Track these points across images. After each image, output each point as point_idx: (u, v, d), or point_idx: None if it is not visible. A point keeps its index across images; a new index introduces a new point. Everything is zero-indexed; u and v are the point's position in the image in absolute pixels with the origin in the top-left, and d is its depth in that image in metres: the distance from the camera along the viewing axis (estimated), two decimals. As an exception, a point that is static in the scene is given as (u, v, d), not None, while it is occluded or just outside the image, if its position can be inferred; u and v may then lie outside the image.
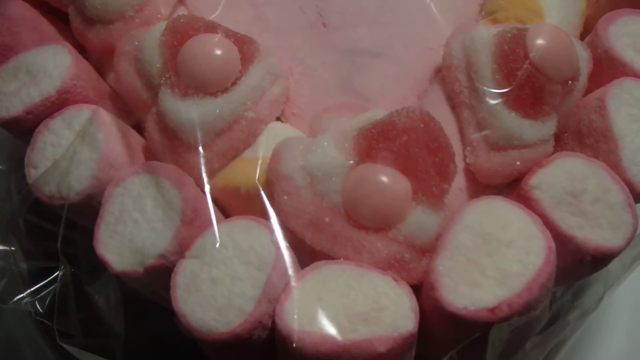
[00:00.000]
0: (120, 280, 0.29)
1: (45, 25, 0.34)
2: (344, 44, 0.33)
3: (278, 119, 0.31)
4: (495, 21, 0.33)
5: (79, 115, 0.30)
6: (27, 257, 0.30)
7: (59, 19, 0.35)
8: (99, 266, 0.29)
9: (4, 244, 0.29)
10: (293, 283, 0.25)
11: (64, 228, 0.27)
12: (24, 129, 0.30)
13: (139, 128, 0.31)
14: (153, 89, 0.30)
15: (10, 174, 0.36)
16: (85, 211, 0.28)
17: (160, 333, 0.31)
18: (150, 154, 0.31)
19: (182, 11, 0.34)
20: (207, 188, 0.27)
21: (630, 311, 0.42)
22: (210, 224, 0.26)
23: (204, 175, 0.27)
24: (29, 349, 0.42)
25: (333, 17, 0.34)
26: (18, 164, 0.36)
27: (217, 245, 0.25)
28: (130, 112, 0.32)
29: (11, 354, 0.42)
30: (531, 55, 0.28)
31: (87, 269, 0.30)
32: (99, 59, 0.33)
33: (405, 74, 0.33)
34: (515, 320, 0.25)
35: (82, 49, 0.33)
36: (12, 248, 0.29)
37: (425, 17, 0.34)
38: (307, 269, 0.26)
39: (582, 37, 0.34)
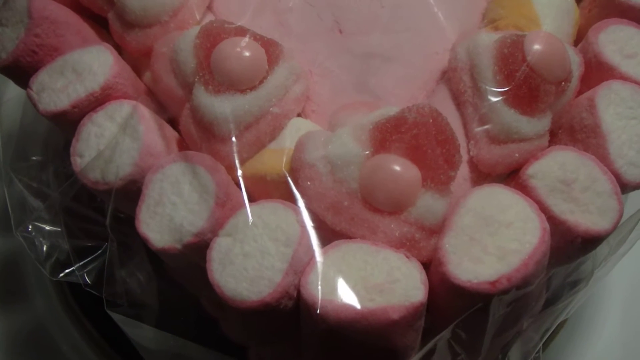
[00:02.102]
0: (154, 258, 0.31)
1: (87, 29, 0.37)
2: (358, 49, 0.36)
3: (299, 115, 0.34)
4: (496, 28, 0.36)
5: (120, 109, 0.33)
6: (71, 237, 0.33)
7: (98, 24, 0.38)
8: (131, 248, 0.32)
9: (53, 225, 0.32)
10: (317, 258, 0.28)
11: (111, 210, 0.30)
12: (69, 121, 0.33)
13: (171, 122, 0.34)
14: (187, 87, 0.33)
15: (47, 164, 0.38)
16: (127, 195, 0.31)
17: (190, 307, 0.34)
18: (182, 146, 0.34)
19: (209, 17, 0.38)
20: (239, 173, 0.30)
21: (624, 298, 0.45)
22: (241, 206, 0.29)
23: (237, 162, 0.30)
24: (59, 334, 0.44)
25: (348, 24, 0.37)
26: (55, 155, 0.39)
27: (250, 222, 0.28)
28: (164, 108, 0.35)
29: (41, 340, 0.44)
30: (528, 58, 0.31)
31: (120, 251, 0.32)
32: (135, 60, 0.36)
33: (415, 75, 0.36)
34: (513, 294, 0.28)
35: (119, 50, 0.36)
36: (59, 229, 0.32)
37: (433, 25, 0.37)
38: (328, 246, 0.29)
39: (576, 44, 0.37)
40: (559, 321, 0.33)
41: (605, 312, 0.45)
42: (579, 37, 0.37)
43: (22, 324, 0.45)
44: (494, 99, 0.31)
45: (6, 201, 0.36)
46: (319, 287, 0.27)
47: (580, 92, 0.34)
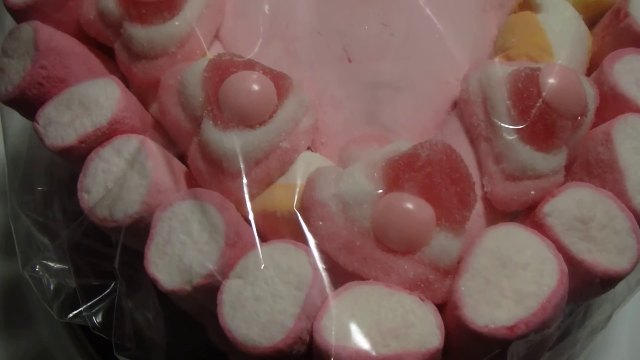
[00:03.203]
0: (162, 295, 0.31)
1: (93, 60, 0.37)
2: (367, 78, 0.36)
3: (308, 148, 0.34)
4: (507, 58, 0.35)
5: (127, 144, 0.32)
6: (78, 275, 0.32)
7: (105, 54, 0.37)
8: (138, 282, 0.32)
9: (61, 263, 0.31)
10: (330, 301, 0.27)
11: (120, 249, 0.30)
12: (76, 156, 0.33)
13: (180, 157, 0.34)
14: (195, 120, 0.32)
15: (53, 195, 0.38)
16: (135, 233, 0.31)
17: (197, 344, 0.34)
18: (191, 181, 0.33)
19: (217, 45, 0.37)
20: (250, 215, 0.29)
21: (632, 327, 0.44)
22: (252, 246, 0.29)
23: (248, 202, 0.30)
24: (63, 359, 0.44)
25: (357, 52, 0.37)
26: (60, 186, 0.38)
27: (262, 266, 0.28)
28: (173, 142, 0.34)
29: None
30: (544, 94, 0.30)
31: (127, 285, 0.32)
32: (142, 91, 0.36)
33: (425, 105, 0.36)
34: (532, 337, 0.27)
35: (125, 81, 0.36)
36: (67, 267, 0.32)
37: (443, 53, 0.37)
38: (340, 288, 0.28)
39: (588, 72, 0.37)
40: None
41: (616, 341, 0.45)
42: (592, 65, 0.37)
43: (27, 349, 0.45)
44: (510, 137, 0.30)
45: (9, 226, 0.35)
46: (332, 333, 0.26)
47: (595, 124, 0.33)
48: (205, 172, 0.31)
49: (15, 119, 0.37)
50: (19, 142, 0.38)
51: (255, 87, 0.31)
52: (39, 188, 0.37)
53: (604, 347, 0.44)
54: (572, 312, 0.33)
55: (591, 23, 0.38)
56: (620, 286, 0.30)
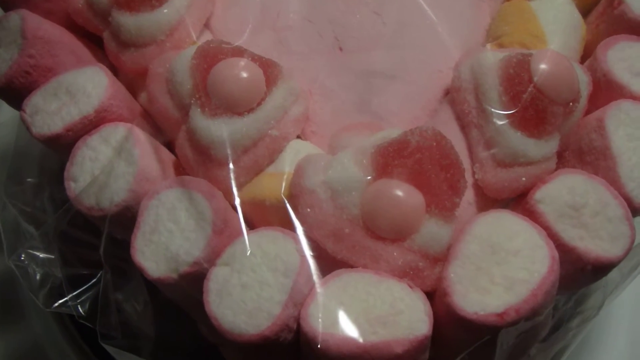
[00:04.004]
0: (150, 286, 0.31)
1: (81, 48, 0.36)
2: (359, 67, 0.36)
3: (298, 136, 0.34)
4: (500, 45, 0.35)
5: (115, 132, 0.32)
6: (65, 264, 0.32)
7: (93, 42, 0.37)
8: (126, 273, 0.32)
9: (47, 252, 0.31)
10: (317, 289, 0.27)
11: (105, 238, 0.30)
12: (63, 145, 0.33)
13: (168, 145, 0.34)
14: (184, 109, 0.32)
15: (43, 187, 0.38)
16: (122, 221, 0.30)
17: (187, 336, 0.33)
18: (179, 169, 0.33)
19: (207, 35, 0.37)
20: (237, 201, 0.29)
21: (630, 318, 0.44)
22: (239, 233, 0.29)
23: (235, 189, 0.29)
24: (56, 354, 0.43)
25: (349, 42, 0.36)
26: (50, 177, 0.38)
27: (248, 253, 0.27)
28: (161, 130, 0.34)
29: (38, 359, 0.43)
30: (535, 79, 0.30)
31: (115, 276, 0.32)
32: (130, 80, 0.36)
33: (417, 94, 0.35)
34: (522, 325, 0.27)
35: (114, 70, 0.36)
36: (53, 256, 0.31)
37: (435, 42, 0.36)
38: (329, 276, 0.28)
39: (583, 60, 0.36)
40: (570, 349, 0.32)
41: (613, 333, 0.44)
42: (586, 53, 0.37)
43: (19, 344, 0.45)
44: (500, 122, 0.30)
45: (-1, 224, 0.35)
46: (320, 320, 0.26)
47: (588, 111, 0.33)
48: (193, 160, 0.31)
49: (4, 109, 0.37)
50: (8, 134, 0.38)
51: (244, 74, 0.31)
52: (29, 179, 0.37)
53: (601, 339, 0.44)
54: (564, 304, 0.32)
55: (586, 11, 0.38)
56: (613, 274, 0.30)
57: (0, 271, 0.46)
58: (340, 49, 0.36)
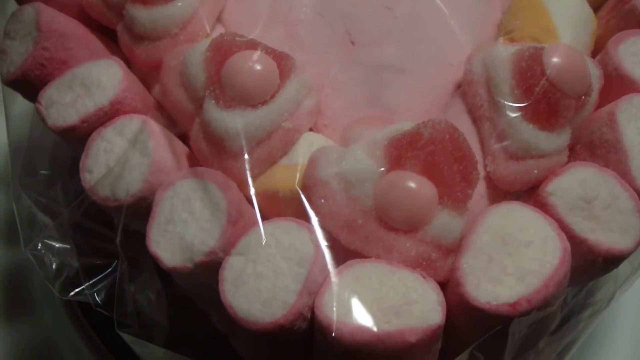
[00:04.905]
0: (164, 276, 0.31)
1: (95, 41, 0.37)
2: (370, 61, 0.36)
3: (310, 129, 0.34)
4: (512, 40, 0.35)
5: (129, 124, 0.32)
6: (80, 254, 0.32)
7: (107, 36, 0.37)
8: (140, 264, 0.32)
9: (63, 242, 0.32)
10: (332, 278, 0.27)
11: (121, 228, 0.30)
12: (78, 136, 0.33)
13: (182, 138, 0.34)
14: (197, 101, 0.32)
15: (55, 179, 0.38)
16: (137, 212, 0.31)
17: (198, 327, 0.34)
18: (192, 161, 0.33)
19: (219, 29, 0.37)
20: (252, 191, 0.29)
21: (637, 311, 0.44)
22: (253, 224, 0.29)
23: (250, 180, 0.30)
24: (67, 348, 0.44)
25: (360, 35, 0.36)
26: (63, 169, 0.38)
27: (263, 243, 0.27)
28: (175, 123, 0.34)
29: (49, 353, 0.44)
30: (547, 72, 0.30)
31: (130, 267, 0.32)
32: (144, 73, 0.36)
33: (428, 88, 0.35)
34: (534, 315, 0.27)
35: (127, 63, 0.36)
36: (69, 246, 0.32)
37: (446, 36, 0.36)
38: (342, 266, 0.28)
39: (593, 55, 0.36)
40: (581, 340, 0.32)
41: (620, 327, 0.44)
42: (597, 48, 0.37)
43: (30, 337, 0.45)
44: (513, 114, 0.30)
45: (13, 214, 0.35)
46: (334, 309, 0.26)
47: (599, 106, 0.33)
48: (208, 152, 0.31)
49: (18, 101, 0.38)
50: (22, 125, 0.38)
51: (258, 67, 0.31)
52: (42, 171, 0.37)
53: (607, 334, 0.44)
54: (575, 296, 0.33)
55: (597, 6, 0.38)
56: (623, 266, 0.30)
57: (12, 265, 0.47)
58: (352, 43, 0.37)
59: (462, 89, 0.34)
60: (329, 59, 0.36)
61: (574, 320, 0.32)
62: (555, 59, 0.30)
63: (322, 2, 0.37)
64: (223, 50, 0.32)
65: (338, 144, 0.33)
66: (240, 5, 0.38)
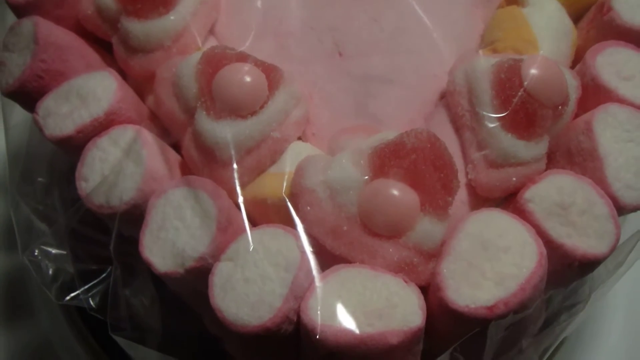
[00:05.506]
0: (157, 281, 0.32)
1: (91, 53, 0.38)
2: (357, 71, 0.37)
3: (299, 138, 0.35)
4: (494, 51, 0.36)
5: (124, 134, 0.33)
6: (76, 260, 0.33)
7: (102, 48, 0.39)
8: (134, 269, 0.33)
9: (59, 248, 0.33)
10: (316, 283, 0.28)
11: (115, 235, 0.31)
12: (74, 146, 0.34)
13: (174, 147, 0.35)
14: (189, 111, 0.33)
15: (53, 186, 0.39)
16: (130, 219, 0.32)
17: (191, 329, 0.35)
18: (185, 169, 0.34)
19: (211, 41, 0.38)
20: (240, 199, 0.30)
21: (625, 312, 0.45)
22: (242, 230, 0.30)
23: (238, 188, 0.31)
24: (64, 350, 0.45)
25: (348, 47, 0.38)
26: (59, 177, 0.39)
27: (251, 249, 0.29)
28: (168, 132, 0.35)
29: (46, 356, 0.45)
30: (525, 83, 0.31)
31: (124, 272, 0.33)
32: (138, 83, 0.37)
33: (413, 98, 0.37)
34: (511, 318, 0.28)
35: (122, 74, 0.37)
36: (65, 252, 0.33)
37: (431, 47, 0.38)
38: (327, 271, 0.29)
39: (574, 64, 0.38)
40: (558, 341, 0.33)
41: (607, 326, 0.45)
42: (577, 58, 0.38)
43: (28, 340, 0.46)
44: (492, 125, 0.31)
45: (11, 220, 0.36)
46: (319, 312, 0.27)
47: (577, 115, 0.34)
48: (199, 161, 0.33)
49: (16, 111, 0.39)
50: (20, 134, 0.39)
51: (247, 79, 0.32)
52: (39, 179, 0.38)
53: (595, 333, 0.45)
54: (552, 300, 0.34)
55: (577, 17, 0.39)
56: (599, 270, 0.31)
57: (10, 269, 0.48)
58: (340, 54, 0.38)
59: (445, 99, 0.35)
60: (318, 70, 0.37)
61: (552, 322, 0.33)
62: (532, 71, 0.31)
63: (311, 14, 0.39)
64: (214, 63, 0.33)
65: (326, 153, 0.34)
66: (231, 17, 0.39)
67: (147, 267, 0.30)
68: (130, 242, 0.32)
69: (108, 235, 0.32)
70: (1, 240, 0.49)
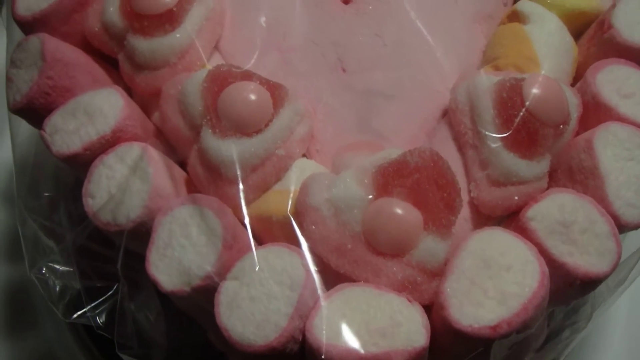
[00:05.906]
0: (163, 296, 0.32)
1: (97, 70, 0.38)
2: (360, 86, 0.37)
3: (304, 155, 0.35)
4: (496, 68, 0.37)
5: (130, 151, 0.34)
6: (83, 277, 0.34)
7: (109, 64, 0.39)
8: (140, 284, 0.33)
9: (66, 265, 0.33)
10: (321, 302, 0.28)
11: (122, 252, 0.31)
12: (81, 163, 0.34)
13: (180, 163, 0.35)
14: (195, 129, 0.34)
15: (59, 200, 0.39)
16: (137, 236, 0.32)
17: (197, 345, 0.35)
18: (191, 186, 0.34)
19: (216, 57, 0.39)
20: (246, 219, 0.31)
21: (625, 323, 0.45)
22: (248, 248, 0.30)
23: (244, 206, 0.31)
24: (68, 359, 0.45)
25: (351, 62, 0.38)
26: (65, 192, 0.40)
27: (257, 268, 0.29)
28: (173, 149, 0.36)
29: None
30: (527, 103, 0.32)
31: (129, 287, 0.33)
32: (144, 101, 0.37)
33: (415, 114, 0.37)
34: (514, 337, 0.28)
35: (128, 90, 0.37)
36: (71, 269, 0.33)
37: (433, 63, 0.38)
38: (332, 290, 0.29)
39: (575, 81, 0.38)
40: (562, 358, 0.33)
41: (610, 338, 0.46)
42: (578, 74, 0.38)
43: (32, 350, 0.46)
44: (494, 144, 0.32)
45: (16, 230, 0.37)
46: (324, 332, 0.27)
47: (578, 132, 0.34)
48: (204, 178, 0.33)
49: (23, 127, 0.39)
50: (27, 150, 0.39)
51: (252, 97, 0.32)
52: (46, 194, 0.39)
53: (596, 345, 0.45)
54: (554, 316, 0.34)
55: (577, 34, 0.40)
56: (601, 288, 0.31)
57: (15, 279, 0.48)
58: (343, 70, 0.38)
59: (447, 116, 0.36)
60: (321, 85, 0.37)
61: (555, 339, 0.34)
62: (534, 90, 0.32)
63: (315, 30, 0.39)
64: (219, 81, 0.33)
65: (330, 169, 0.35)
66: (236, 33, 0.40)
67: (152, 283, 0.31)
68: (135, 258, 0.32)
69: (114, 251, 0.32)
70: (6, 250, 0.49)
